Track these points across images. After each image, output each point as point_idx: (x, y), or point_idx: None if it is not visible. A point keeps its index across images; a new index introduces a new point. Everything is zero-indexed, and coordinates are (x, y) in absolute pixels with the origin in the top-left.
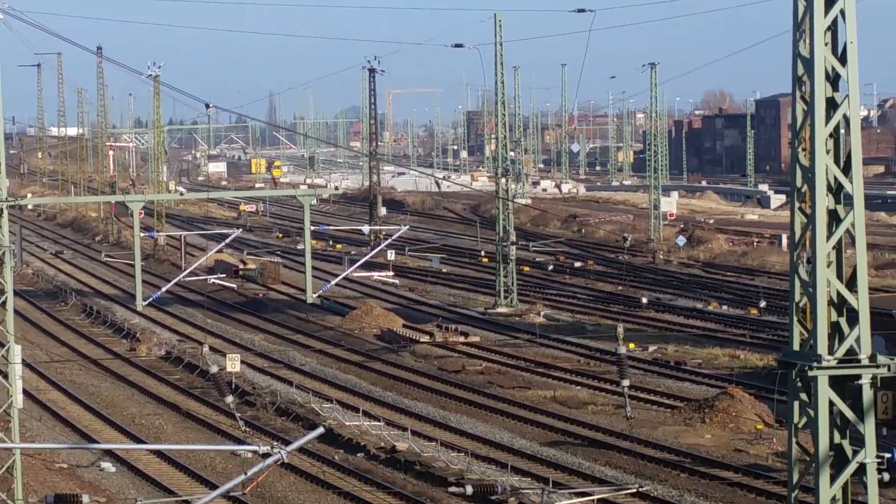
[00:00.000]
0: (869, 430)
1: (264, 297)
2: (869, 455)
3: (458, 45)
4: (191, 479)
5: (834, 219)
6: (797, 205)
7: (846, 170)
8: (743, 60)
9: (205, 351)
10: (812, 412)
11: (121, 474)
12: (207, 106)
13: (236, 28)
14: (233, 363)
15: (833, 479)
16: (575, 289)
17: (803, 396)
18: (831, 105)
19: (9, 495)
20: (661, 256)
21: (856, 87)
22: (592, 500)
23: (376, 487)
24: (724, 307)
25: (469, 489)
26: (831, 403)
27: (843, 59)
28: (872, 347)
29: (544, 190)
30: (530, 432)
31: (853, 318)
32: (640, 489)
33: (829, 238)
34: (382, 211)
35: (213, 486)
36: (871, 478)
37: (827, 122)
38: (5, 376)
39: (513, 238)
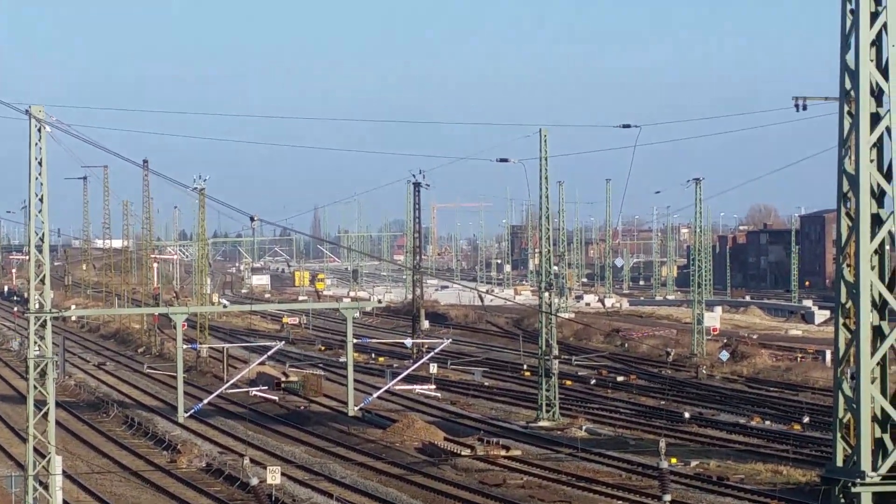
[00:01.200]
0: None
1: (306, 409)
2: None
3: (504, 160)
4: None
5: (878, 335)
6: (841, 321)
7: (891, 286)
8: (788, 176)
9: (245, 463)
10: None
11: None
12: (252, 219)
13: (281, 142)
14: (273, 475)
15: None
16: (617, 403)
17: None
18: (876, 221)
19: None
20: (705, 371)
21: None
22: None
23: None
24: (767, 422)
25: None
26: None
27: (888, 176)
28: None
29: (588, 304)
30: None
31: None
32: None
33: (873, 354)
34: (425, 324)
35: None
36: None
37: (872, 238)
38: (46, 487)
39: (555, 352)
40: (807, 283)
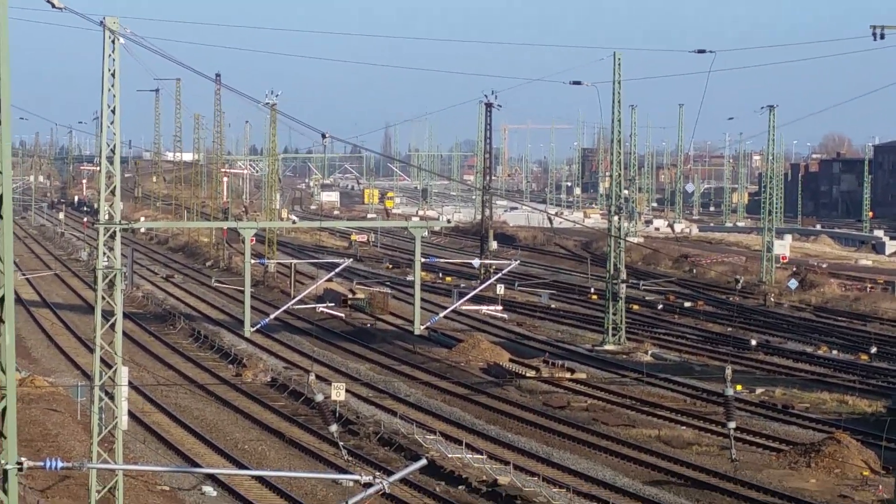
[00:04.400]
0: None
1: (372, 326)
2: None
3: (577, 83)
4: None
5: None
6: None
7: None
8: (863, 105)
9: (311, 379)
10: None
11: (222, 499)
12: (324, 136)
13: (354, 59)
14: (338, 392)
15: None
16: (684, 329)
17: None
18: None
19: None
20: (773, 299)
21: None
22: None
23: None
24: (835, 352)
25: None
26: None
27: None
28: None
29: (657, 229)
30: (633, 471)
31: None
32: None
33: None
34: (493, 245)
35: None
36: None
37: None
38: (112, 398)
39: (623, 276)
40: (870, 213)
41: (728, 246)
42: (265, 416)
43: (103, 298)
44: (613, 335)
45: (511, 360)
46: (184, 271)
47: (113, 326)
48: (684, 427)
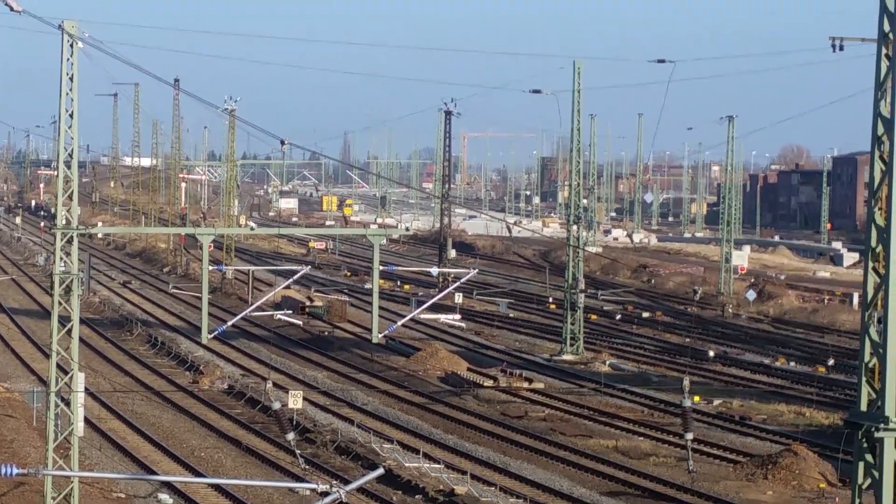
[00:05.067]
0: None
1: (330, 334)
2: None
3: (536, 91)
4: None
5: None
6: (871, 264)
7: None
8: (821, 116)
9: (268, 386)
10: (877, 473)
11: None
12: (283, 142)
13: (314, 65)
14: (295, 400)
15: None
16: (642, 339)
17: (868, 457)
18: None
19: None
20: (731, 310)
21: None
22: None
23: None
24: (792, 364)
25: None
26: None
27: None
28: None
29: (615, 239)
30: (591, 481)
31: None
32: None
33: None
34: (452, 253)
35: None
36: None
37: None
38: (68, 404)
39: (582, 286)
40: (828, 225)
41: (687, 256)
42: (222, 423)
43: (60, 304)
44: (571, 345)
45: (469, 370)
46: (141, 277)
47: (70, 332)
48: (642, 438)
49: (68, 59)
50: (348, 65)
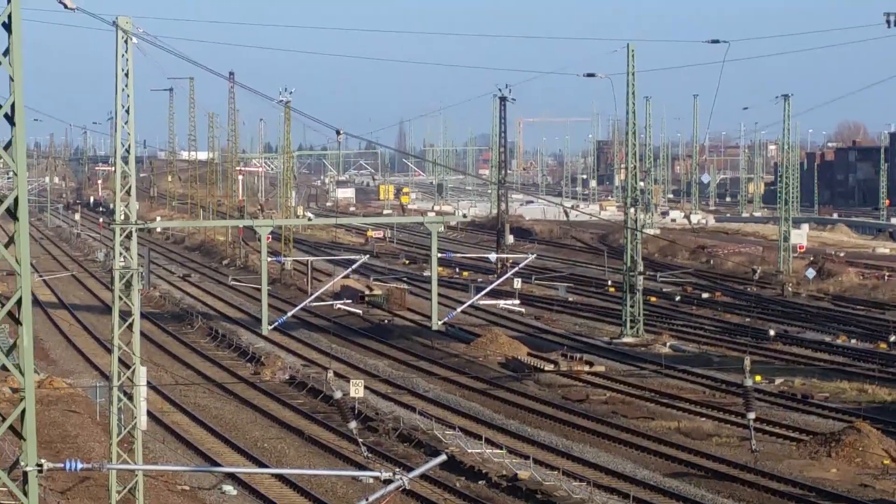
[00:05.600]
0: None
1: (390, 323)
2: None
3: (591, 75)
4: (312, 503)
5: None
6: None
7: None
8: (878, 93)
9: (329, 376)
10: None
11: (242, 497)
12: (338, 132)
13: (367, 55)
14: (356, 389)
15: None
16: (702, 320)
17: None
18: None
19: None
20: (790, 289)
21: None
22: None
23: None
24: (853, 341)
25: None
26: None
27: None
28: None
29: (673, 220)
30: (653, 463)
31: None
32: None
33: None
34: (510, 239)
35: None
36: None
37: None
38: (130, 398)
39: (640, 268)
40: (886, 201)
41: (745, 236)
42: (284, 413)
43: (120, 299)
44: (631, 327)
45: (529, 354)
46: (200, 270)
47: (130, 327)
48: (704, 418)
49: (123, 55)
50: (402, 53)
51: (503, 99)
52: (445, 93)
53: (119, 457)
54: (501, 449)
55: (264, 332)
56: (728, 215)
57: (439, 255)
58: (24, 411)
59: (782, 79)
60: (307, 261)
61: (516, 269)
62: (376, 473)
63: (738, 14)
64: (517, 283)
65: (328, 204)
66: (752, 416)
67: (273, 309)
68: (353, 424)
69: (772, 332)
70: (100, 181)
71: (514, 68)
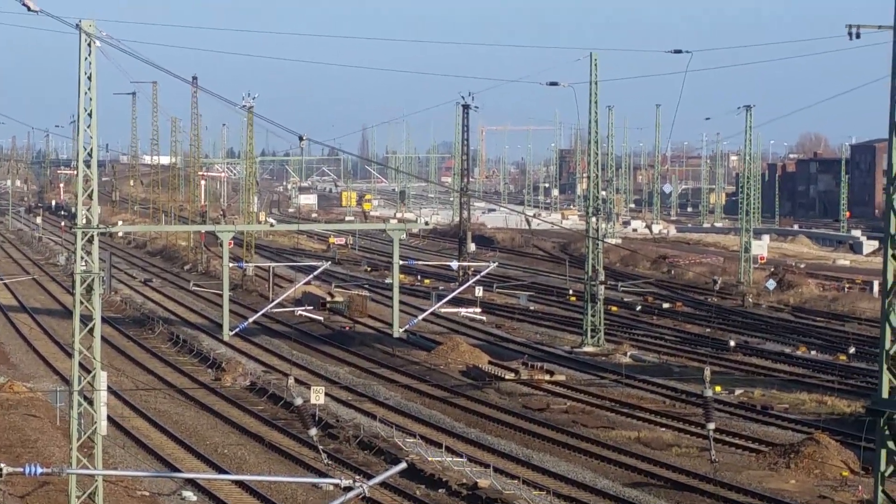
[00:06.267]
0: None
1: (351, 330)
2: None
3: (553, 84)
4: None
5: None
6: (890, 252)
7: None
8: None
9: (290, 382)
10: None
11: (202, 503)
12: (301, 138)
13: (331, 61)
14: (317, 395)
15: None
16: (662, 330)
17: (891, 444)
18: None
19: None
20: (751, 300)
21: None
22: None
23: None
24: (813, 352)
25: None
26: None
27: None
28: None
29: (635, 230)
30: (613, 473)
31: None
32: None
33: None
34: (472, 247)
35: None
36: None
37: None
38: (91, 403)
39: (602, 277)
40: (847, 213)
41: (706, 247)
42: (244, 420)
43: (81, 303)
44: (592, 337)
45: (490, 363)
46: (162, 275)
47: (91, 331)
48: (664, 429)
49: (86, 59)
50: (365, 60)
51: (466, 107)
52: (408, 100)
53: (79, 462)
54: (462, 457)
55: (225, 338)
56: (689, 225)
57: (401, 262)
58: None
59: (744, 90)
60: (269, 267)
61: (478, 277)
62: (336, 481)
63: (702, 25)
64: (479, 292)
65: (290, 210)
66: (711, 426)
67: (234, 315)
68: (313, 431)
69: (732, 343)
70: (62, 184)
71: (478, 76)
